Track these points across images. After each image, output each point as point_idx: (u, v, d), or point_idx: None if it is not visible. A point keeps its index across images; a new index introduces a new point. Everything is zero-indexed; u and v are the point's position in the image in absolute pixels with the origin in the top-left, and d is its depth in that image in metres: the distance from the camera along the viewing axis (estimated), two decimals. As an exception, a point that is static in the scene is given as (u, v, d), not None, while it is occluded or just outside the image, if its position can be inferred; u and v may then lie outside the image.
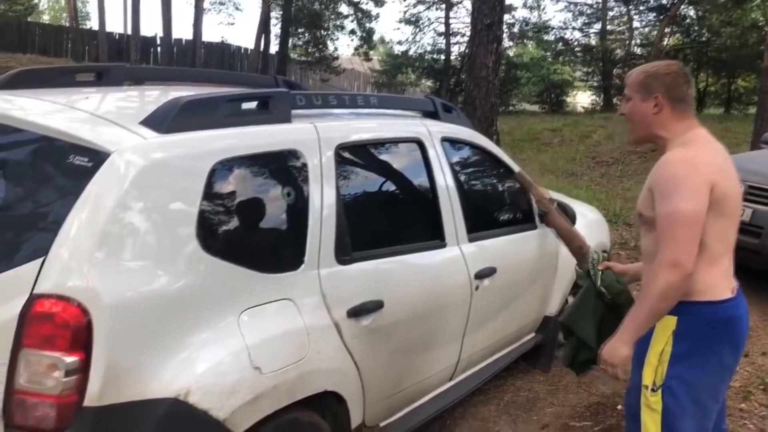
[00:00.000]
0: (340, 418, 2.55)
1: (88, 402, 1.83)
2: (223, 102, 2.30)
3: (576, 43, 24.38)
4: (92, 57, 20.57)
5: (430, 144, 3.07)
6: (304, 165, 2.45)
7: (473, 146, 3.46)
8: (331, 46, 24.94)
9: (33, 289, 1.83)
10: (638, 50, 24.18)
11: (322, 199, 2.47)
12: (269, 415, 2.17)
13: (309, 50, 24.60)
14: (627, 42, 24.32)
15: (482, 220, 3.41)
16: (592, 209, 4.72)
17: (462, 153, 3.41)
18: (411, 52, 23.76)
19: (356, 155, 2.76)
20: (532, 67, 23.08)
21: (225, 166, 2.20)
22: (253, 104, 2.44)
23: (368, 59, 25.43)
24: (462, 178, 3.29)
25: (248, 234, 2.29)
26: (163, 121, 2.13)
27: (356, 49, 24.96)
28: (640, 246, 2.31)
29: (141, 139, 2.05)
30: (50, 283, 1.84)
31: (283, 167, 2.44)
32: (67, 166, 2.01)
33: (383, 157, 2.98)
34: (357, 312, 2.52)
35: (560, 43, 24.23)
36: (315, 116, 2.67)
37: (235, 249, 2.20)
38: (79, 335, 1.82)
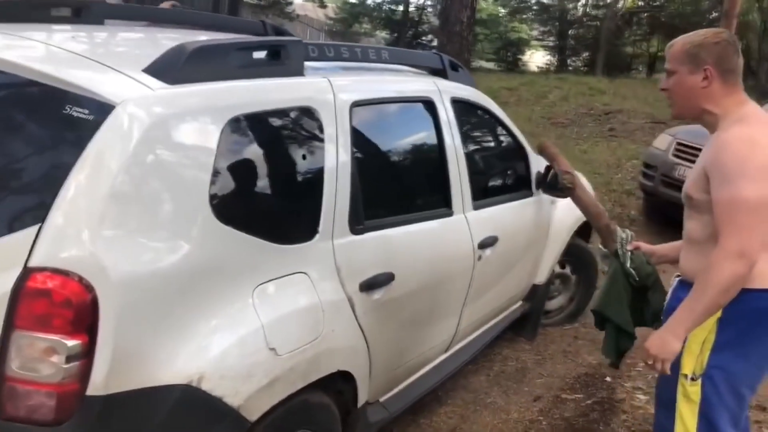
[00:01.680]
0: (345, 396, 2.39)
1: (92, 391, 1.60)
2: (233, 50, 2.04)
3: (533, 1, 24.19)
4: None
5: (440, 104, 2.87)
6: (320, 124, 2.22)
7: (479, 108, 3.28)
8: (284, -10, 24.00)
9: (27, 261, 1.58)
10: (593, 12, 24.18)
11: (337, 163, 2.25)
12: (281, 400, 2.00)
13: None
14: (584, 2, 24.26)
15: (486, 186, 3.27)
16: (578, 174, 4.60)
17: (469, 115, 3.22)
18: (369, 1, 23.13)
19: (370, 115, 2.54)
20: (490, 23, 22.81)
21: (238, 124, 1.96)
22: (262, 54, 2.18)
23: (323, 6, 24.62)
24: (468, 141, 3.11)
25: (262, 200, 2.07)
26: (170, 69, 1.86)
27: (311, -6, 24.12)
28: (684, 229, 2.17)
29: (148, 90, 1.78)
30: (47, 254, 1.59)
31: (298, 126, 2.21)
32: (62, 118, 1.72)
33: (395, 117, 2.77)
34: (369, 285, 2.35)
35: (518, 1, 23.99)
36: (327, 70, 2.42)
37: (249, 217, 1.97)
38: (82, 315, 1.59)
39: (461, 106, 3.07)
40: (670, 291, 2.24)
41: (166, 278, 1.72)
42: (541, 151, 3.41)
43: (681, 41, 2.10)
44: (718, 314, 1.98)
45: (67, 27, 2.45)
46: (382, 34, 24.11)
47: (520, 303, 3.89)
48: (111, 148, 1.67)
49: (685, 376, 2.04)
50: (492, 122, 3.42)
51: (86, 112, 1.71)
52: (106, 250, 1.62)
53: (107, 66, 1.88)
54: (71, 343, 1.57)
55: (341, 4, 24.80)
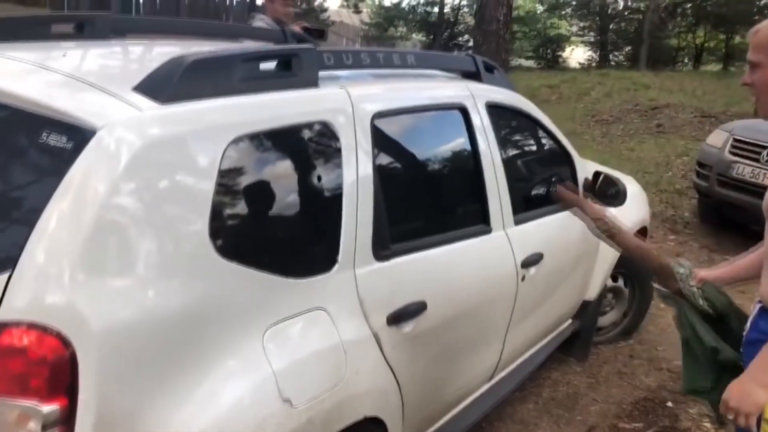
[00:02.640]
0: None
1: (74, 461, 1.39)
2: (237, 62, 1.82)
3: (573, -4, 23.64)
4: (72, 6, 19.51)
5: (474, 111, 2.60)
6: (337, 140, 1.98)
7: (518, 112, 2.99)
8: (319, -2, 23.99)
9: (-4, 314, 1.38)
10: (634, 4, 23.49)
11: (358, 182, 2.01)
12: (300, 455, 1.76)
13: (297, 2, 23.61)
14: (625, -5, 23.61)
15: (527, 198, 2.98)
16: (630, 179, 4.26)
17: (506, 120, 2.94)
18: (403, 4, 22.93)
19: (394, 126, 2.28)
20: (528, 20, 22.36)
21: (243, 145, 1.73)
22: (272, 64, 1.95)
23: (358, 11, 24.52)
24: (507, 150, 2.83)
25: (272, 230, 1.84)
26: (163, 86, 1.64)
27: (346, 0, 24.03)
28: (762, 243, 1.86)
29: (136, 111, 1.57)
30: (20, 306, 1.38)
31: (312, 144, 1.97)
32: (38, 147, 1.53)
33: (423, 128, 2.50)
34: (398, 317, 2.10)
35: (556, -4, 23.48)
36: (344, 78, 2.19)
37: (257, 250, 1.74)
38: (59, 374, 1.38)
39: (498, 111, 2.79)
40: (749, 319, 1.92)
41: (158, 328, 1.50)
42: (558, 199, 3.00)
43: None
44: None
45: (65, 44, 2.27)
46: (418, 37, 23.87)
47: (569, 321, 3.58)
48: (92, 179, 1.46)
49: (768, 421, 1.73)
50: (532, 127, 3.13)
51: (64, 139, 1.50)
52: (88, 297, 1.41)
53: (92, 85, 1.67)
54: (47, 408, 1.36)
55: (376, 8, 24.67)
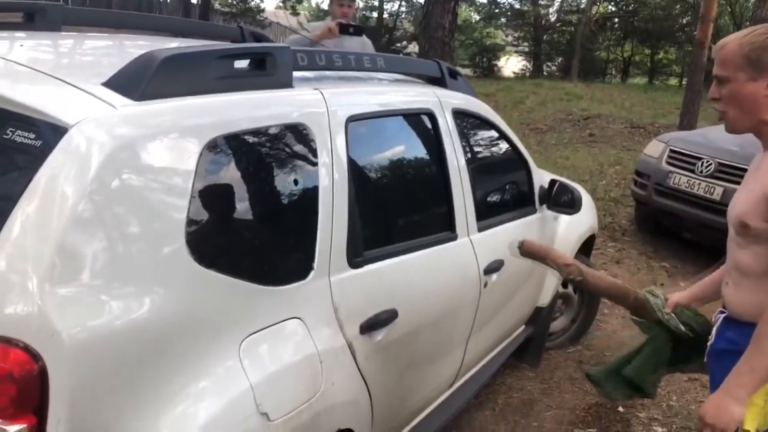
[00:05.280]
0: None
1: (42, 486, 1.28)
2: (211, 59, 1.73)
3: (507, 7, 24.19)
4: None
5: (441, 116, 2.58)
6: (313, 143, 1.92)
7: (480, 119, 2.99)
8: (256, -2, 23.65)
9: (-44, 326, 1.26)
10: (567, 17, 24.21)
11: (333, 187, 1.96)
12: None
13: (231, 1, 23.21)
14: (558, 8, 24.32)
15: (490, 205, 2.98)
16: (580, 188, 4.31)
17: (471, 127, 2.94)
18: (342, 8, 22.84)
19: (366, 131, 2.24)
20: (465, 29, 22.69)
21: (220, 147, 1.65)
22: (245, 63, 1.88)
23: (295, 14, 24.30)
24: (470, 157, 2.82)
25: (250, 235, 1.76)
26: (137, 83, 1.55)
27: (283, 1, 23.76)
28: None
29: (110, 109, 1.47)
30: (-18, 316, 1.27)
31: (289, 147, 1.90)
32: (3, 144, 1.41)
33: (394, 133, 2.47)
34: (371, 326, 2.05)
35: (492, 6, 23.96)
36: (317, 80, 2.13)
37: (235, 256, 1.67)
38: (27, 391, 1.28)
39: (462, 118, 2.79)
40: (714, 328, 1.96)
41: (132, 339, 1.40)
42: (525, 254, 2.72)
43: (736, 43, 1.76)
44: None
45: (17, 34, 2.12)
46: (357, 41, 23.84)
47: (523, 327, 3.61)
48: (63, 181, 1.35)
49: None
50: (493, 134, 3.14)
51: (32, 136, 1.40)
52: (58, 306, 1.31)
53: (60, 80, 1.56)
54: (14, 428, 1.26)
55: (313, 11, 24.51)
